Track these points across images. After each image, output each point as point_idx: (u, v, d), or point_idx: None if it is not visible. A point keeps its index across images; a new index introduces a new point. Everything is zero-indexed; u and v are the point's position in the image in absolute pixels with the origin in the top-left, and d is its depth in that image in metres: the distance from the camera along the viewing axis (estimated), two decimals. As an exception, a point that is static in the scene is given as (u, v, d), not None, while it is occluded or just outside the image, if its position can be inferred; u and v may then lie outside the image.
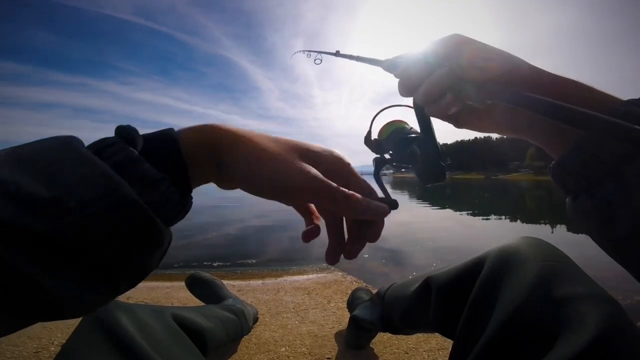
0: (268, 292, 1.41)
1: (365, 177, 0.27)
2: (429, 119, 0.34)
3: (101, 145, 0.19)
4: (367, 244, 0.27)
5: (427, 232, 3.55)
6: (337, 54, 0.52)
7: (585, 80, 0.26)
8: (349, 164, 0.26)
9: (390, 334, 0.99)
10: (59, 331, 0.99)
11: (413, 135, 0.39)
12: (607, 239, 0.25)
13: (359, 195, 0.24)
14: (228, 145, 0.22)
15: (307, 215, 0.29)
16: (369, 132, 0.43)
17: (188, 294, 1.07)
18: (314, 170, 0.23)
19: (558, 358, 0.30)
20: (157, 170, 0.20)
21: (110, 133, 0.21)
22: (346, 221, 0.27)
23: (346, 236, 0.27)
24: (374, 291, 0.95)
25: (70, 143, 0.18)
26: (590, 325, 0.31)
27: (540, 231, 3.86)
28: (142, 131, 0.22)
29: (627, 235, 0.22)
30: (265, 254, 2.53)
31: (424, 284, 0.59)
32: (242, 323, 0.87)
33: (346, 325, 0.95)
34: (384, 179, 0.38)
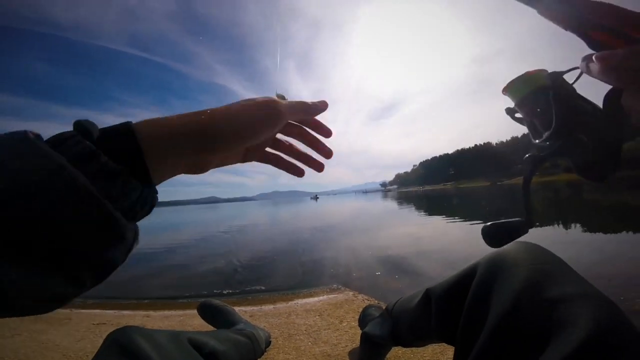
0: (280, 315, 1.42)
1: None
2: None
3: (57, 139, 0.19)
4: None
5: (440, 245, 3.51)
6: None
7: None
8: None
9: (405, 350, 0.99)
10: (78, 359, 1.00)
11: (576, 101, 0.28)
12: None
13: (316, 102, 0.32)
14: (205, 121, 0.24)
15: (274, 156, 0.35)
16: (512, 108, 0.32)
17: (201, 321, 1.08)
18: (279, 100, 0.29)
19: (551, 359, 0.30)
20: (115, 163, 0.20)
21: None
22: (304, 137, 0.34)
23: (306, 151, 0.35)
24: (384, 307, 0.96)
25: (25, 137, 0.18)
26: (582, 325, 0.30)
27: (555, 232, 3.80)
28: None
29: None
30: (274, 280, 2.52)
31: (425, 295, 0.60)
32: (254, 346, 0.88)
33: (359, 343, 0.95)
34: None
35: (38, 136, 0.19)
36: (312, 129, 0.35)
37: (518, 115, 0.33)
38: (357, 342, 1.03)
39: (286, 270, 2.82)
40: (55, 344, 1.23)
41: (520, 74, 0.31)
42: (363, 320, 1.00)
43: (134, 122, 0.21)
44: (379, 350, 0.87)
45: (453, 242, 3.71)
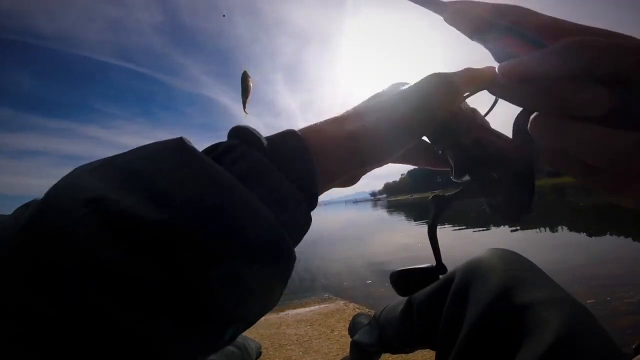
0: (270, 326, 1.41)
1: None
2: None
3: (220, 150, 0.16)
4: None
5: (430, 252, 3.52)
6: None
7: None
8: None
9: (395, 357, 1.00)
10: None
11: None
12: None
13: None
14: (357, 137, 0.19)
15: None
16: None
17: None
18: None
19: None
20: (289, 182, 0.16)
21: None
22: None
23: None
24: (374, 314, 0.98)
25: (186, 148, 0.14)
26: (551, 328, 0.31)
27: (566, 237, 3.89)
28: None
29: None
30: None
31: (408, 303, 0.62)
32: (245, 357, 0.88)
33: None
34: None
35: (192, 146, 0.15)
36: None
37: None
38: (347, 352, 1.04)
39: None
40: None
41: None
42: (353, 328, 1.01)
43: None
44: (368, 358, 0.88)
45: (443, 248, 3.75)
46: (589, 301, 1.48)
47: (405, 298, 0.64)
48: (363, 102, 0.22)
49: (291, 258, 0.16)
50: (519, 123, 0.19)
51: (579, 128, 0.14)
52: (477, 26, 0.20)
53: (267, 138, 0.17)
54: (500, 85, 0.17)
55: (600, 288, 1.73)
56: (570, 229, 3.95)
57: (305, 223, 0.17)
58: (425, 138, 0.26)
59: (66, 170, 0.14)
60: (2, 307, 0.11)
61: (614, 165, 0.13)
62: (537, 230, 4.05)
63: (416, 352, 0.99)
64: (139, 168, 0.13)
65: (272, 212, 0.14)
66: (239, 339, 0.95)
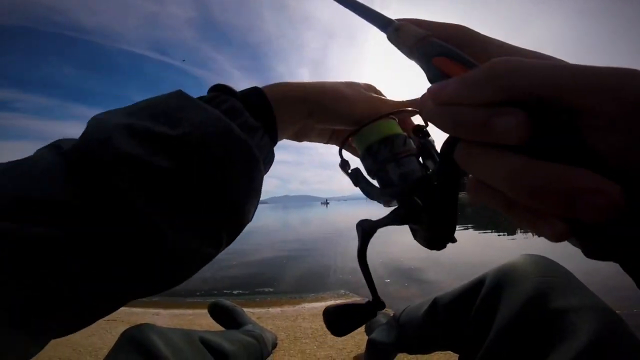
0: (286, 319, 1.43)
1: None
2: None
3: (209, 97, 0.23)
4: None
5: (451, 255, 3.46)
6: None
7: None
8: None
9: (410, 357, 0.98)
10: (88, 354, 1.04)
11: (412, 158, 0.26)
12: None
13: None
14: (315, 96, 0.27)
15: None
16: (343, 159, 0.29)
17: (210, 320, 1.11)
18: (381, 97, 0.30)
19: None
20: (254, 119, 0.23)
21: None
22: None
23: None
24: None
25: (184, 94, 0.21)
26: (583, 335, 0.31)
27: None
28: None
29: None
30: (282, 283, 2.53)
31: (432, 304, 0.62)
32: (262, 347, 0.90)
33: (364, 349, 0.95)
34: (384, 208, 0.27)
35: (189, 95, 0.22)
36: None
37: (351, 169, 0.28)
38: (362, 348, 1.04)
39: (294, 274, 2.83)
40: (66, 338, 1.24)
41: (374, 119, 0.27)
42: (370, 327, 1.01)
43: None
44: (384, 357, 0.88)
45: (468, 252, 3.66)
46: (618, 312, 1.39)
47: (431, 299, 0.63)
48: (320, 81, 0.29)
49: (259, 170, 0.22)
50: (445, 150, 0.17)
51: (497, 157, 0.13)
52: (415, 44, 0.19)
53: (240, 92, 0.25)
54: (427, 109, 0.16)
55: (630, 300, 1.64)
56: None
57: (269, 150, 0.25)
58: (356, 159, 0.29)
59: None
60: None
61: (531, 198, 0.12)
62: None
63: (432, 353, 0.98)
64: (153, 105, 0.21)
65: (247, 137, 0.21)
66: (257, 330, 0.97)
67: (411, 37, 0.19)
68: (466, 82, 0.14)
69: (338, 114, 0.27)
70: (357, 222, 0.25)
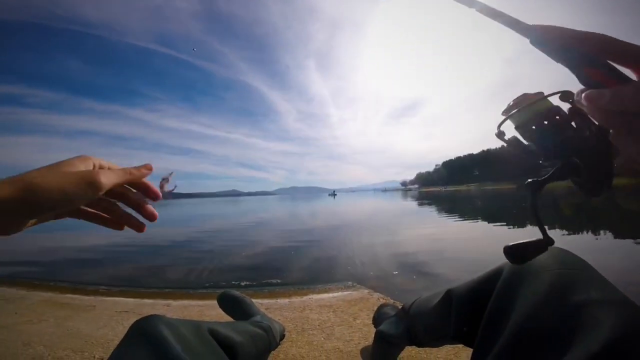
0: (294, 310, 1.44)
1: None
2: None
3: None
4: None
5: (463, 248, 3.43)
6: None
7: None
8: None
9: (419, 350, 0.98)
10: (100, 345, 1.07)
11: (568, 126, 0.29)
12: None
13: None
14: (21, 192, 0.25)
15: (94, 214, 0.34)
16: (500, 131, 0.32)
17: (219, 311, 1.12)
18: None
19: None
20: None
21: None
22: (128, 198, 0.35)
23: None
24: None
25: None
26: (605, 329, 0.30)
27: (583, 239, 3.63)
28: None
29: None
30: (290, 274, 2.55)
31: (445, 296, 0.60)
32: (270, 338, 0.90)
33: (372, 341, 0.95)
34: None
35: None
36: (140, 191, 0.35)
37: (508, 137, 0.33)
38: (370, 340, 1.04)
39: (302, 265, 2.85)
40: (78, 330, 1.30)
41: (519, 96, 0.31)
42: (378, 318, 1.00)
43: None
44: (392, 350, 0.87)
45: (478, 245, 3.62)
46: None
47: (444, 290, 0.62)
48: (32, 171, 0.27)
49: None
50: (599, 132, 0.25)
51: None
52: (564, 52, 0.23)
53: None
54: (588, 108, 0.22)
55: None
56: (616, 236, 3.66)
57: None
58: (518, 135, 0.31)
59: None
60: None
61: None
62: (581, 233, 3.79)
63: (441, 347, 0.97)
64: None
65: None
66: (265, 321, 0.97)
67: (560, 46, 0.23)
68: (618, 97, 0.19)
69: (47, 208, 0.26)
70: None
